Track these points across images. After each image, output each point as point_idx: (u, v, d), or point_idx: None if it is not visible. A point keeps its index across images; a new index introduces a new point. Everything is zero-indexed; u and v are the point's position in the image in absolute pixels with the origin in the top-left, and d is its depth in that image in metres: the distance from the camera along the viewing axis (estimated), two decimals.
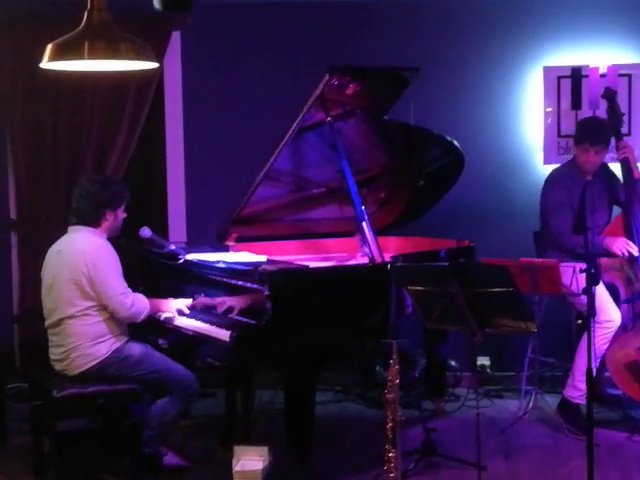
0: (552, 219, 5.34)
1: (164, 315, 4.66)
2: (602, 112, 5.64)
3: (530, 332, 4.40)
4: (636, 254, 5.17)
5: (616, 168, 5.56)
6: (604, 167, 5.50)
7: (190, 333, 4.65)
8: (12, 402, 5.28)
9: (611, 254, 5.20)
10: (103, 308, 4.41)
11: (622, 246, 5.17)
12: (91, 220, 4.48)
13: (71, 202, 4.59)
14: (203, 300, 4.72)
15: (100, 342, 4.42)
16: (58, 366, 4.48)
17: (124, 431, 4.49)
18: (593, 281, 4.09)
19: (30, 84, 6.00)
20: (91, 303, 4.39)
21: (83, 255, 4.36)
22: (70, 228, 4.55)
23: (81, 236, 4.48)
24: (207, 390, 5.48)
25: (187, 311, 4.66)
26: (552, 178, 5.53)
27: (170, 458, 4.59)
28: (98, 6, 3.89)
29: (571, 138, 5.53)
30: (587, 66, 6.08)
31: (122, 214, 4.60)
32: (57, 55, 3.87)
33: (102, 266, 4.37)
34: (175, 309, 4.65)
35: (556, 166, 5.71)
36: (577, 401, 5.15)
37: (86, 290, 4.35)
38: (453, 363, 6.01)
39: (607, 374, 5.35)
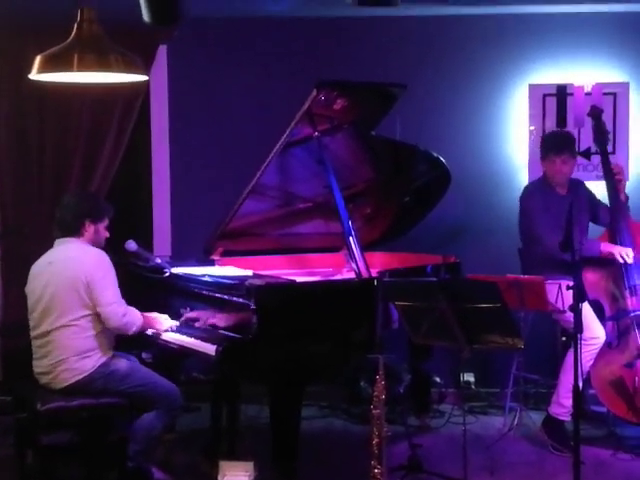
0: (534, 223, 5.35)
1: (151, 330, 4.66)
2: (588, 130, 5.66)
3: (517, 348, 4.43)
4: (630, 261, 5.19)
5: (594, 187, 5.63)
6: (580, 185, 5.54)
7: (176, 347, 4.63)
8: None
9: (601, 261, 5.23)
10: (96, 320, 4.39)
11: (622, 251, 5.20)
12: (72, 230, 4.49)
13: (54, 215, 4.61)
14: (190, 315, 4.72)
15: (87, 357, 4.40)
16: (43, 379, 4.45)
17: (109, 445, 4.47)
18: (580, 297, 4.11)
19: (15, 96, 5.99)
20: (86, 312, 4.37)
21: (82, 264, 4.37)
22: (57, 241, 4.55)
23: (74, 247, 4.49)
24: (191, 404, 5.46)
25: (174, 328, 4.66)
26: (528, 190, 5.58)
27: (155, 473, 4.55)
28: (88, 18, 3.90)
29: (549, 157, 5.49)
30: (572, 84, 6.10)
31: (104, 231, 4.59)
32: (46, 67, 3.87)
33: (100, 275, 4.37)
34: (167, 327, 4.65)
35: (529, 184, 5.78)
36: (562, 418, 5.16)
37: (84, 297, 4.34)
38: (438, 379, 6.00)
39: (592, 391, 5.36)
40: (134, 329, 4.45)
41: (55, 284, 4.40)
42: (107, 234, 4.63)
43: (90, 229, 4.50)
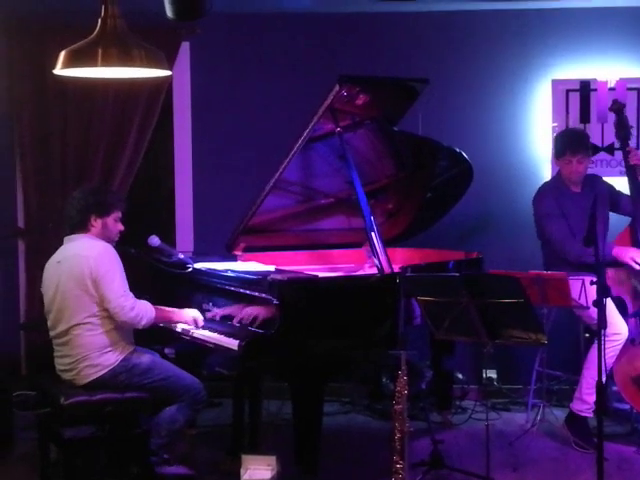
0: (549, 230, 5.36)
1: (181, 326, 4.67)
2: (610, 125, 5.65)
3: (540, 344, 4.39)
4: None
5: (617, 183, 5.63)
6: (596, 180, 5.53)
7: (199, 342, 4.63)
8: (18, 410, 5.26)
9: (619, 264, 5.19)
10: (108, 316, 4.40)
11: (635, 256, 5.17)
12: (77, 226, 4.50)
13: None
14: (218, 312, 4.72)
15: (108, 352, 4.42)
16: (66, 376, 4.48)
17: (132, 439, 4.49)
18: (604, 293, 4.09)
19: (39, 92, 6.03)
20: (97, 308, 4.38)
21: (87, 260, 4.36)
22: (66, 238, 4.56)
23: (80, 243, 4.49)
24: (214, 400, 5.47)
25: (201, 323, 4.64)
26: (541, 191, 5.56)
27: (176, 468, 4.57)
28: (112, 13, 3.90)
29: (563, 156, 5.48)
30: (595, 80, 6.11)
31: (115, 224, 4.57)
32: (70, 62, 3.87)
33: (105, 269, 4.36)
34: (190, 319, 4.64)
35: (544, 182, 5.76)
36: (584, 414, 5.14)
37: (93, 294, 4.35)
38: (460, 375, 6.01)
39: (614, 388, 5.34)
40: (144, 322, 4.42)
41: (65, 283, 4.41)
42: (120, 227, 4.60)
43: (97, 224, 4.49)
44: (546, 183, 5.66)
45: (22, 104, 6.19)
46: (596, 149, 5.94)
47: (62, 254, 4.52)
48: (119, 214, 4.59)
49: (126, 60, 3.88)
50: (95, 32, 3.89)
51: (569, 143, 5.39)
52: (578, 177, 5.37)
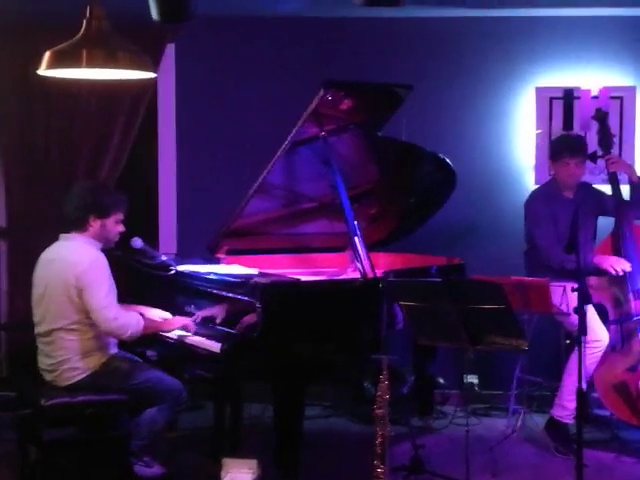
0: (536, 234, 5.37)
1: (177, 334, 4.64)
2: (593, 134, 5.68)
3: (521, 350, 4.39)
4: (629, 269, 5.17)
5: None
6: (587, 188, 5.54)
7: (194, 348, 4.61)
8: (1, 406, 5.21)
9: (601, 272, 5.21)
10: (92, 323, 4.36)
11: (615, 264, 5.19)
12: (75, 225, 4.45)
13: (61, 212, 4.58)
14: (202, 314, 4.71)
15: (90, 356, 4.41)
16: (47, 377, 4.46)
17: (112, 441, 4.49)
18: (585, 300, 4.10)
19: (23, 92, 6.01)
20: (80, 316, 4.34)
21: (74, 267, 4.32)
22: (61, 236, 4.51)
23: (74, 245, 4.45)
24: (195, 402, 5.45)
25: (193, 328, 4.63)
26: (533, 196, 5.57)
27: (154, 467, 4.54)
28: (97, 15, 3.91)
29: (559, 160, 5.48)
30: (579, 88, 6.12)
31: (115, 226, 4.51)
32: (55, 62, 3.88)
33: (90, 279, 4.31)
34: (179, 327, 4.63)
35: (536, 188, 5.77)
36: (565, 420, 5.16)
37: (75, 301, 4.31)
38: (441, 381, 6.01)
39: (595, 394, 5.34)
40: (129, 333, 4.36)
41: (53, 286, 4.38)
42: (120, 229, 4.55)
43: (96, 224, 4.43)
44: (539, 188, 5.68)
45: (4, 103, 6.16)
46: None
47: (56, 252, 4.48)
48: (120, 216, 4.53)
49: (111, 62, 3.88)
50: (80, 33, 3.90)
51: (568, 146, 5.40)
52: (575, 181, 5.38)
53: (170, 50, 6.25)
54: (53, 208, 5.85)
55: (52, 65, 3.91)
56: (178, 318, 4.66)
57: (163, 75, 6.17)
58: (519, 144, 6.28)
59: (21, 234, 6.19)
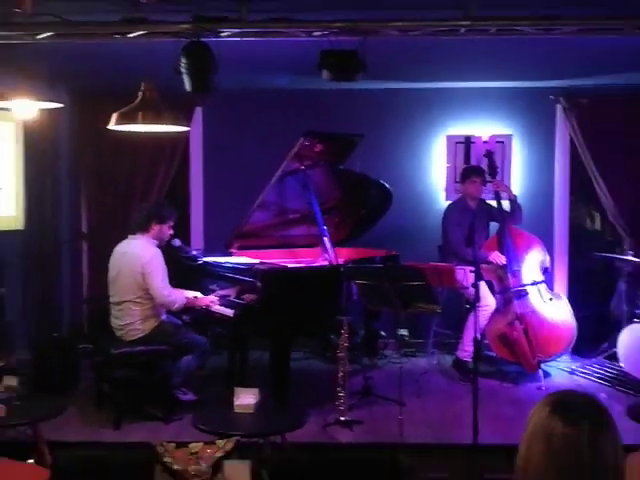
0: (450, 235, 5.41)
1: (204, 305, 4.61)
2: (484, 166, 5.63)
3: (436, 312, 4.47)
4: (503, 262, 5.24)
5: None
6: (483, 202, 5.56)
7: (219, 315, 4.61)
8: (82, 358, 5.20)
9: (488, 261, 5.26)
10: (150, 298, 4.36)
11: (495, 257, 5.26)
12: (141, 228, 4.45)
13: (124, 222, 4.58)
14: (220, 292, 4.69)
15: (147, 320, 4.41)
16: (117, 333, 4.47)
17: (160, 378, 4.48)
18: (478, 278, 4.15)
19: (97, 141, 5.95)
20: (142, 292, 4.35)
21: (140, 258, 4.34)
22: (129, 235, 4.52)
23: (140, 243, 4.44)
24: (216, 351, 5.38)
25: (217, 302, 4.60)
26: (449, 208, 5.61)
27: (188, 394, 4.57)
28: (148, 87, 3.93)
29: (466, 182, 5.55)
30: (474, 135, 6.16)
31: (168, 230, 4.52)
32: (120, 120, 3.91)
33: (151, 268, 4.33)
34: (208, 302, 4.60)
35: (450, 203, 5.78)
36: (466, 359, 5.21)
37: (140, 282, 4.33)
38: (383, 333, 5.99)
39: (486, 341, 5.37)
40: (176, 306, 4.40)
41: (124, 271, 4.39)
42: (171, 232, 4.55)
43: (156, 228, 4.44)
44: (453, 202, 5.67)
45: (84, 148, 6.13)
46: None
47: (126, 247, 4.47)
48: (172, 223, 4.54)
49: (158, 120, 3.92)
50: (137, 100, 3.91)
51: (475, 170, 5.53)
52: (478, 194, 5.44)
53: (198, 111, 6.22)
54: (117, 219, 5.89)
55: (118, 122, 3.93)
56: (206, 297, 4.64)
57: (193, 128, 6.12)
58: (435, 174, 6.28)
59: (96, 237, 6.15)
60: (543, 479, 1.62)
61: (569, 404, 1.65)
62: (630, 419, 3.84)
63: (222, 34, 3.59)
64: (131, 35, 3.57)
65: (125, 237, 4.57)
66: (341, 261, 4.82)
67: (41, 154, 5.67)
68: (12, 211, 5.21)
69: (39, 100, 3.81)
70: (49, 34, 3.55)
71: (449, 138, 6.23)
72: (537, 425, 1.64)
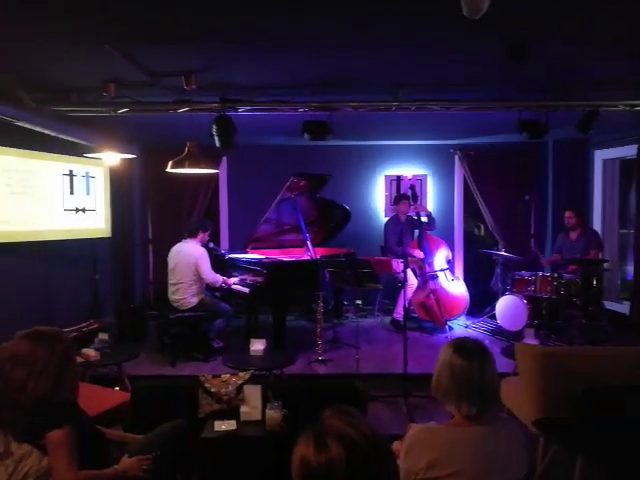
0: (387, 239, 5.41)
1: (231, 284, 4.54)
2: (409, 195, 5.59)
3: (379, 288, 4.48)
4: (422, 256, 5.27)
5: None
6: (410, 216, 5.56)
7: (233, 289, 4.57)
8: (149, 320, 5.16)
9: (412, 256, 5.28)
10: (199, 280, 4.31)
11: (417, 253, 5.29)
12: (191, 234, 4.43)
13: (175, 231, 4.52)
14: (240, 277, 4.64)
15: (194, 296, 4.37)
16: (174, 304, 4.41)
17: (201, 333, 4.46)
18: (406, 267, 4.18)
19: (158, 179, 5.85)
20: (194, 277, 4.31)
21: (194, 255, 4.31)
22: (183, 240, 4.48)
23: (191, 244, 4.40)
24: (237, 315, 5.39)
25: (238, 283, 4.56)
26: (388, 221, 5.60)
27: (220, 344, 4.54)
28: (191, 145, 3.91)
29: (398, 204, 5.52)
30: (403, 175, 6.17)
31: (207, 236, 4.48)
32: (173, 166, 3.87)
33: (201, 261, 4.30)
34: (232, 282, 4.54)
35: (388, 218, 5.77)
36: (399, 319, 5.21)
37: (193, 270, 4.29)
38: (346, 302, 5.98)
39: (412, 307, 5.40)
40: (218, 285, 4.38)
41: (181, 264, 4.34)
42: (207, 238, 4.51)
43: (201, 234, 4.42)
44: (390, 218, 5.64)
45: (151, 183, 6.04)
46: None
47: (182, 247, 4.41)
48: (210, 231, 4.52)
49: (197, 166, 3.88)
50: (184, 153, 3.88)
51: (403, 196, 5.42)
52: (406, 212, 5.41)
53: (224, 159, 6.18)
54: (171, 229, 5.81)
55: (172, 167, 3.90)
56: (232, 279, 4.58)
57: (221, 170, 6.11)
58: (378, 200, 6.27)
59: (157, 241, 6.07)
60: (449, 394, 1.65)
61: (464, 346, 1.69)
62: (504, 357, 3.93)
63: (239, 110, 3.61)
64: (180, 110, 3.57)
65: (179, 241, 4.53)
66: (318, 256, 4.85)
67: (122, 188, 5.61)
68: (102, 224, 5.14)
69: (120, 152, 3.76)
70: (125, 110, 3.53)
71: (386, 177, 6.24)
72: (444, 360, 1.68)
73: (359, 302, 6.02)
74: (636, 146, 4.95)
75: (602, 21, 2.26)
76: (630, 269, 5.32)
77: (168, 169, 3.93)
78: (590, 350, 3.05)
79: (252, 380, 2.66)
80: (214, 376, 2.66)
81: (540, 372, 2.72)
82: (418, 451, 1.58)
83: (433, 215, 5.59)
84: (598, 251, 4.98)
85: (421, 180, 6.21)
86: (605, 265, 4.92)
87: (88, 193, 4.92)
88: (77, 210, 4.78)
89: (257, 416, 2.44)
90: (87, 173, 4.90)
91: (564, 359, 2.78)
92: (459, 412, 1.62)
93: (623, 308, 5.13)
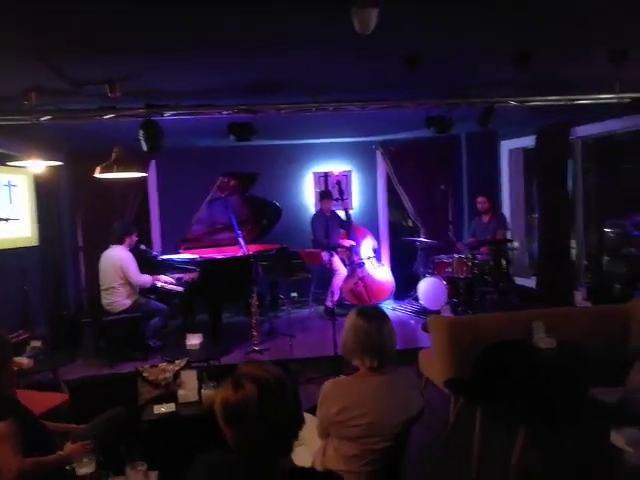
0: (316, 233, 5.52)
1: (160, 284, 4.59)
2: (336, 190, 5.84)
3: (308, 277, 4.68)
4: (353, 244, 5.49)
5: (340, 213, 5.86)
6: (334, 212, 5.68)
7: (167, 288, 4.59)
8: (85, 327, 5.07)
9: (342, 246, 5.50)
10: (128, 284, 4.33)
11: (345, 243, 5.43)
12: (118, 240, 4.43)
13: (106, 237, 4.52)
14: (174, 276, 4.66)
15: (127, 298, 4.38)
16: (107, 307, 4.41)
17: (138, 333, 4.47)
18: (331, 256, 4.46)
19: (87, 184, 5.68)
20: (122, 281, 4.32)
21: (120, 260, 4.32)
22: (111, 246, 4.47)
23: (117, 250, 4.41)
24: (172, 315, 5.24)
25: (171, 281, 4.60)
26: (315, 215, 5.69)
27: (157, 343, 4.56)
28: (118, 150, 3.92)
29: (322, 201, 5.62)
30: (330, 171, 6.32)
31: (134, 239, 4.49)
32: (102, 171, 3.87)
33: (127, 265, 4.32)
34: (164, 280, 4.58)
35: (315, 211, 5.92)
36: (331, 306, 5.19)
37: (120, 273, 4.30)
38: (281, 296, 5.88)
39: (343, 295, 5.61)
40: (149, 285, 4.39)
41: (109, 269, 4.34)
42: (136, 239, 4.51)
43: (127, 239, 4.41)
44: (316, 212, 5.74)
45: (79, 189, 5.90)
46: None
47: (109, 254, 4.40)
48: (136, 233, 4.51)
49: (126, 170, 3.90)
50: (112, 158, 3.90)
51: (328, 193, 5.60)
52: (330, 208, 5.56)
53: (153, 162, 6.12)
54: (102, 236, 5.61)
55: (100, 172, 3.88)
56: (162, 277, 4.60)
57: (151, 173, 6.07)
58: (307, 196, 6.36)
59: (89, 248, 5.93)
60: (354, 351, 1.94)
61: (365, 311, 2.00)
62: (425, 332, 4.28)
63: (165, 114, 3.65)
64: (105, 117, 3.59)
65: (108, 247, 4.53)
66: (251, 252, 4.92)
67: (49, 195, 5.46)
68: (29, 233, 5.03)
69: (45, 159, 3.77)
70: (48, 117, 3.54)
71: (314, 174, 6.32)
72: (350, 324, 1.98)
73: (294, 294, 5.99)
74: (534, 137, 5.41)
75: (487, 31, 2.58)
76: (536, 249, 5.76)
77: (96, 174, 3.91)
78: (491, 317, 3.40)
79: (188, 367, 2.80)
80: (152, 366, 2.80)
81: (448, 339, 3.07)
82: (330, 402, 1.88)
83: (358, 208, 5.83)
84: (504, 231, 5.45)
85: (347, 176, 6.39)
86: (512, 244, 5.44)
87: (11, 202, 4.82)
88: None
89: (194, 397, 2.60)
90: (9, 182, 4.79)
91: (468, 326, 3.18)
92: (363, 365, 1.92)
93: (531, 282, 5.59)
